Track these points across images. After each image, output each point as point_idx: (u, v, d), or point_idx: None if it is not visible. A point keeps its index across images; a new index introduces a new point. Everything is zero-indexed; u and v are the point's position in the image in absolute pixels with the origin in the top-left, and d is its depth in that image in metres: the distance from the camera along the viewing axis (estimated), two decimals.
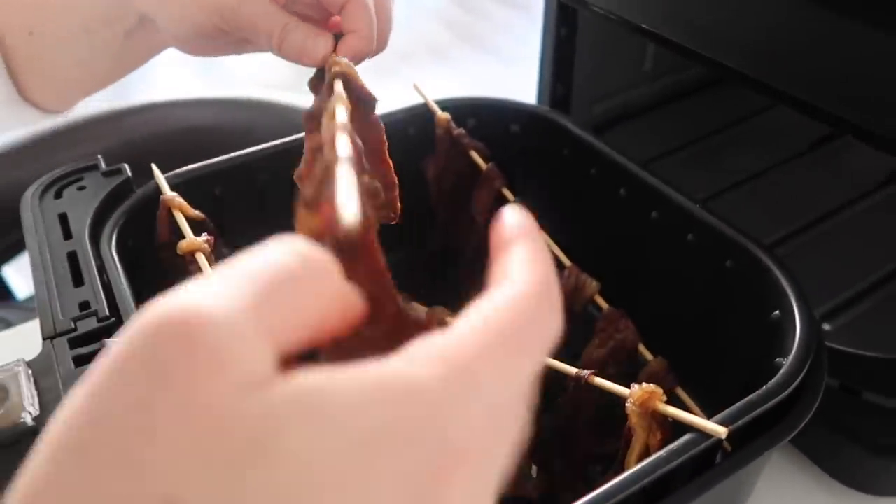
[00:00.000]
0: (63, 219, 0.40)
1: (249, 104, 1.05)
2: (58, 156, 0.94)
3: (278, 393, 0.13)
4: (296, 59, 0.38)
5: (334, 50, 0.37)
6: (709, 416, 0.41)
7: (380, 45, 0.39)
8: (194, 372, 0.12)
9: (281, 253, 0.15)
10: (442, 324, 0.45)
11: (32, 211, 0.40)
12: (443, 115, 0.51)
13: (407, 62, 2.37)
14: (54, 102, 0.42)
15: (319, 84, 0.37)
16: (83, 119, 0.97)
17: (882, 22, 0.34)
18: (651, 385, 0.32)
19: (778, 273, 0.38)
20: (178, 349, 0.12)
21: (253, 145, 1.17)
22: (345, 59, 0.34)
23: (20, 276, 0.97)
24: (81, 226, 0.40)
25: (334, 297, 0.15)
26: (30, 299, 0.91)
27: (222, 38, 0.39)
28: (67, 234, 0.39)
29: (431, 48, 2.44)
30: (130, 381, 0.12)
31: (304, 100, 1.02)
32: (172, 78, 2.32)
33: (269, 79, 2.29)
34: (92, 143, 0.96)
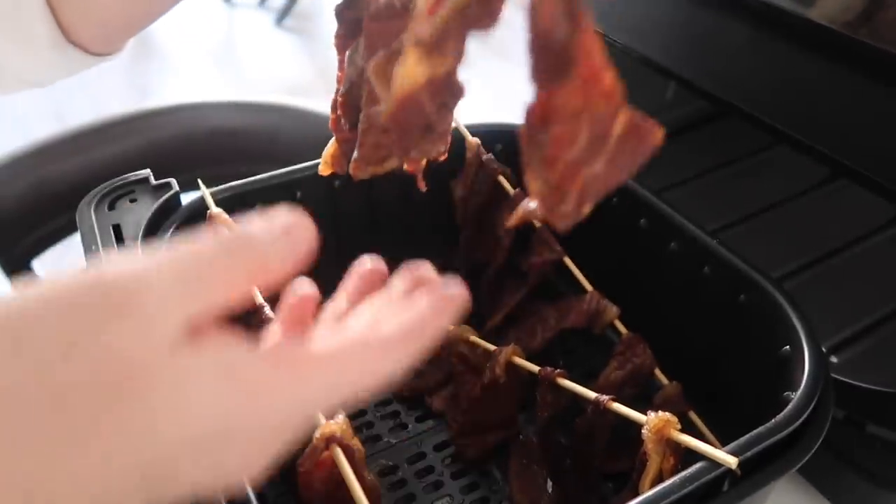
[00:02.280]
0: (117, 229, 0.43)
1: (275, 109, 1.07)
2: (89, 154, 0.97)
3: (183, 353, 0.17)
4: None
5: None
6: (720, 439, 0.43)
7: None
8: (106, 313, 0.16)
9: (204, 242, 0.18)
10: (467, 343, 0.47)
11: (90, 222, 0.43)
12: (473, 140, 0.53)
13: None
14: (99, 44, 0.42)
15: (348, 12, 0.35)
16: (112, 119, 0.99)
17: (879, 77, 0.36)
18: (666, 414, 0.35)
19: (789, 310, 0.41)
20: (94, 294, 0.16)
21: (277, 150, 1.19)
22: None
23: (44, 270, 1.00)
24: (134, 237, 0.42)
25: (247, 268, 0.19)
26: None
27: None
28: (121, 246, 0.42)
29: None
30: (54, 311, 0.16)
31: (326, 105, 1.05)
32: (195, 78, 2.36)
33: (289, 82, 2.32)
34: (121, 143, 0.99)
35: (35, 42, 0.40)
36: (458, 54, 0.24)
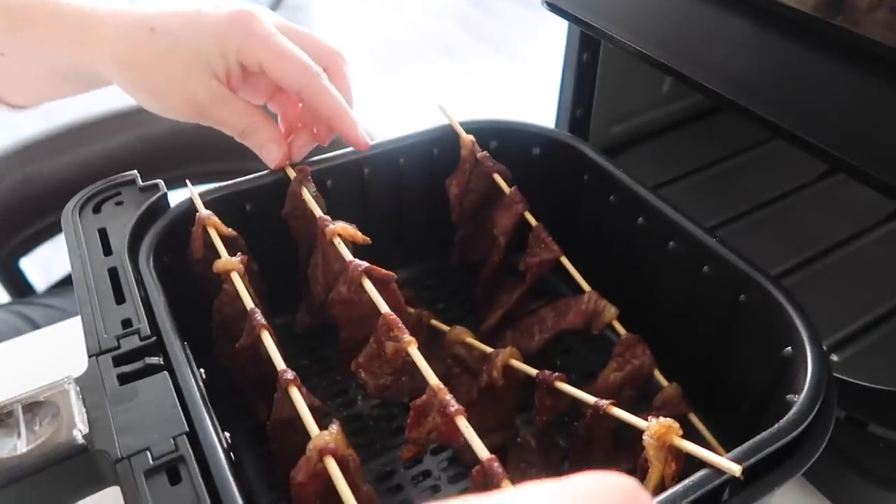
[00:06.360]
0: (102, 234, 0.42)
1: None
2: (78, 151, 0.96)
3: None
4: (256, 153, 0.47)
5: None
6: (720, 440, 0.42)
7: (329, 137, 0.49)
8: None
9: None
10: (463, 345, 0.46)
11: (74, 226, 0.41)
12: (467, 138, 0.52)
13: (420, 59, 2.38)
14: (23, 102, 0.47)
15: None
16: (102, 115, 0.98)
17: (879, 70, 0.36)
18: (668, 420, 0.34)
19: (791, 310, 0.40)
20: None
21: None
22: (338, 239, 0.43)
23: (33, 267, 0.99)
24: (120, 241, 0.41)
25: None
26: (48, 293, 0.93)
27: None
28: (107, 250, 0.41)
29: (443, 45, 2.45)
30: None
31: None
32: None
33: None
34: (111, 139, 0.98)
35: None
36: None
